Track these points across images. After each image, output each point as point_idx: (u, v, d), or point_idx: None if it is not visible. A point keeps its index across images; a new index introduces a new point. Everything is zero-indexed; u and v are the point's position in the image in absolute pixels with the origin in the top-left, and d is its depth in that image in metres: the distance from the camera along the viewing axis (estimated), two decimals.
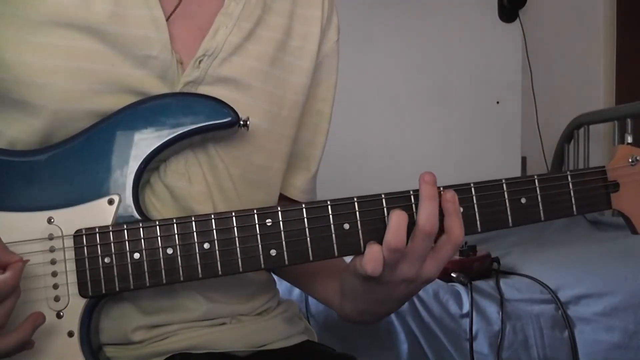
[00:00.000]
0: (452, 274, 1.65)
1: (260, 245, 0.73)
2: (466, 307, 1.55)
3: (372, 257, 0.72)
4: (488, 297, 1.58)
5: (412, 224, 0.73)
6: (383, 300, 0.78)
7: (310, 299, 1.52)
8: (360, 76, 2.69)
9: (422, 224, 0.72)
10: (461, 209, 0.75)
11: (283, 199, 0.93)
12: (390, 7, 2.75)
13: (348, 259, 0.79)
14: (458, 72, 2.85)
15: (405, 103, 2.81)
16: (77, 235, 0.72)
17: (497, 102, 2.89)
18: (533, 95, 2.92)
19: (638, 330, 1.53)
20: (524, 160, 2.90)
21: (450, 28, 2.84)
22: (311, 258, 0.74)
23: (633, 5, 3.04)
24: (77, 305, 0.72)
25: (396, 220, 0.71)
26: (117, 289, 0.72)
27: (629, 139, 2.31)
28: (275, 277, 0.99)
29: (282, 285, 1.56)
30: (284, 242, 0.74)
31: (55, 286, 0.72)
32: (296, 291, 1.53)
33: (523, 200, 0.78)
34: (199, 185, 0.81)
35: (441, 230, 0.74)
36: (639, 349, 1.52)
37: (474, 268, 1.71)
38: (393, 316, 1.53)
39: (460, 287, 1.61)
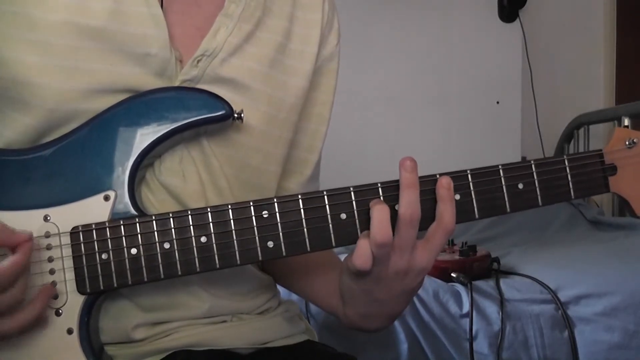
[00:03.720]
0: (452, 274, 1.65)
1: (257, 237, 0.73)
2: (466, 307, 1.55)
3: (361, 252, 0.71)
4: (488, 297, 1.58)
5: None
6: (382, 300, 0.78)
7: None
8: (361, 76, 2.69)
9: (402, 213, 0.71)
10: (458, 196, 0.75)
11: None
12: (390, 7, 2.76)
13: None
14: (458, 72, 2.85)
15: (405, 103, 2.81)
16: (74, 232, 0.72)
17: (497, 102, 2.89)
18: (533, 95, 2.93)
19: (638, 330, 1.53)
20: (524, 160, 2.90)
21: (450, 28, 2.85)
22: (309, 249, 0.74)
23: (633, 6, 3.04)
24: (75, 302, 0.72)
25: (378, 215, 0.71)
26: (115, 285, 0.72)
27: (626, 122, 2.31)
28: None
29: None
30: (281, 234, 0.73)
31: (53, 284, 0.72)
32: None
33: (520, 186, 0.77)
34: (194, 184, 0.80)
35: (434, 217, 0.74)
36: (639, 349, 1.52)
37: (474, 268, 1.71)
38: None
39: (460, 287, 1.60)
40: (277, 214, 0.73)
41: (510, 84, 2.90)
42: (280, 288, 0.99)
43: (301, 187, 0.94)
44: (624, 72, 3.04)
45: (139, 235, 0.72)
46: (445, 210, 0.73)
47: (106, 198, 0.73)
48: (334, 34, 0.94)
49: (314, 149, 0.94)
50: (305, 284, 0.95)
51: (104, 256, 0.72)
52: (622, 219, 2.38)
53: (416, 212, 0.71)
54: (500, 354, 1.51)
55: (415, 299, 1.54)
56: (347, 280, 0.78)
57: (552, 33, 3.01)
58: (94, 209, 0.73)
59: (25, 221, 0.72)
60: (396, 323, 1.52)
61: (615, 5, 3.06)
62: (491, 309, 1.55)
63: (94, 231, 0.72)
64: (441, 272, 1.66)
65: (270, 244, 0.73)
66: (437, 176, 0.74)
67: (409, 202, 0.71)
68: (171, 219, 0.72)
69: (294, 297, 1.50)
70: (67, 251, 0.72)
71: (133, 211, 0.74)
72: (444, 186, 0.73)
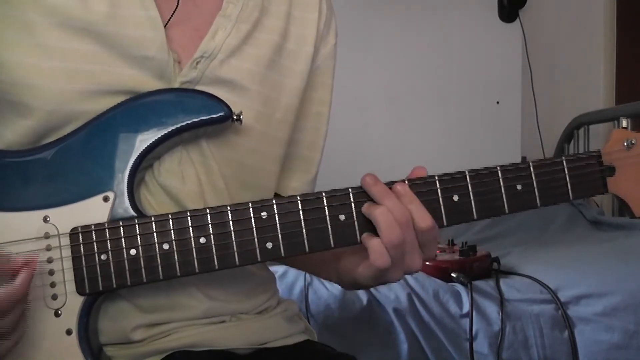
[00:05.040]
0: (452, 274, 1.65)
1: (256, 239, 0.73)
2: (466, 307, 1.55)
3: (379, 253, 0.72)
4: (488, 297, 1.58)
5: None
6: (392, 279, 0.78)
7: (310, 299, 1.53)
8: (360, 76, 2.69)
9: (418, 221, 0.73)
10: (456, 197, 0.76)
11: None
12: (390, 6, 2.76)
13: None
14: (458, 72, 2.85)
15: (405, 103, 2.81)
16: (73, 233, 0.72)
17: (497, 102, 2.89)
18: (533, 95, 2.93)
19: (638, 330, 1.53)
20: (524, 160, 2.89)
21: (450, 28, 2.85)
22: (307, 250, 0.74)
23: (633, 6, 3.04)
24: (74, 303, 0.72)
25: (385, 219, 0.72)
26: (114, 286, 0.72)
27: (624, 123, 2.31)
28: (275, 276, 0.99)
29: (282, 285, 1.57)
30: (279, 235, 0.74)
31: (53, 284, 0.72)
32: (296, 291, 1.53)
33: (519, 187, 0.78)
34: (192, 185, 0.81)
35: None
36: (639, 349, 1.52)
37: (474, 268, 1.71)
38: (393, 316, 1.53)
39: (460, 287, 1.61)
40: (276, 215, 0.74)
41: (510, 84, 2.90)
42: (279, 287, 0.99)
43: (306, 186, 0.94)
44: (624, 72, 3.04)
45: (138, 236, 0.72)
46: (412, 211, 0.74)
47: (105, 199, 0.74)
48: (332, 33, 0.94)
49: (316, 147, 0.95)
50: (312, 270, 0.96)
51: (103, 257, 0.72)
52: (622, 219, 2.39)
53: (406, 214, 0.72)
54: (500, 354, 1.51)
55: (415, 299, 1.55)
56: (366, 278, 0.78)
57: (552, 33, 3.01)
58: (93, 210, 0.73)
59: (24, 222, 0.72)
60: (396, 323, 1.52)
61: (615, 6, 3.06)
62: (491, 309, 1.55)
63: (93, 232, 0.72)
64: (441, 272, 1.67)
65: (269, 245, 0.73)
66: (436, 177, 0.75)
67: (400, 209, 0.72)
68: (170, 220, 0.73)
69: (294, 296, 1.51)
70: (67, 252, 0.72)
71: (132, 212, 0.74)
72: (402, 194, 0.74)
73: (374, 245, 0.72)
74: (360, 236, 0.74)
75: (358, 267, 0.77)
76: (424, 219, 0.73)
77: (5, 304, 0.65)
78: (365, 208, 0.74)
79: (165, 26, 0.78)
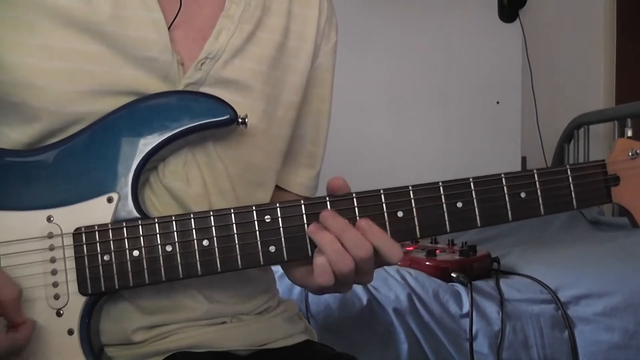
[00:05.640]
0: (452, 274, 1.65)
1: (259, 242, 0.74)
2: (466, 307, 1.55)
3: (322, 271, 0.72)
4: (488, 297, 1.58)
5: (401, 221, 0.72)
6: (343, 289, 0.78)
7: (310, 299, 1.53)
8: (360, 76, 2.69)
9: (355, 254, 0.72)
10: (460, 204, 0.76)
11: (288, 195, 0.95)
12: (390, 6, 2.76)
13: None
14: (458, 72, 2.85)
15: (405, 103, 2.81)
16: (77, 234, 0.72)
17: (497, 102, 2.89)
18: (533, 95, 2.92)
19: (638, 330, 1.53)
20: (524, 160, 2.90)
21: (450, 28, 2.84)
22: (310, 254, 0.74)
23: (633, 6, 3.04)
24: (76, 303, 0.73)
25: (331, 246, 0.71)
26: (117, 287, 0.72)
27: (629, 133, 2.32)
28: (275, 276, 0.99)
29: (282, 285, 1.56)
30: (282, 239, 0.74)
31: (55, 284, 0.72)
32: (296, 290, 1.53)
33: (522, 195, 0.78)
34: (197, 187, 0.81)
35: None
36: (639, 349, 1.52)
37: (474, 268, 1.71)
38: (393, 316, 1.53)
39: (460, 287, 1.61)
40: (280, 219, 0.74)
41: (510, 84, 2.90)
42: (279, 287, 0.99)
43: (311, 181, 0.96)
44: (624, 72, 3.04)
45: (141, 238, 0.72)
46: (380, 247, 0.73)
47: (109, 200, 0.74)
48: (333, 31, 0.95)
49: (319, 143, 0.96)
50: None
51: (106, 258, 0.72)
52: (622, 219, 2.38)
53: (368, 247, 0.71)
54: (500, 354, 1.51)
55: (415, 299, 1.55)
56: (313, 288, 0.78)
57: (552, 33, 3.01)
58: (97, 211, 0.73)
59: (28, 221, 0.72)
60: (396, 323, 1.53)
61: (615, 6, 3.06)
62: (491, 309, 1.55)
63: (97, 232, 0.72)
64: (441, 272, 1.67)
65: (272, 248, 0.74)
66: (440, 184, 0.75)
67: (357, 243, 0.71)
68: (174, 222, 0.73)
69: (294, 296, 1.51)
70: (70, 252, 0.72)
71: (136, 213, 0.74)
72: (365, 228, 0.72)
73: (317, 264, 0.72)
74: None
75: (310, 275, 0.77)
76: (395, 253, 0.73)
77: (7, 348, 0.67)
78: (311, 231, 0.72)
79: (169, 28, 0.78)
